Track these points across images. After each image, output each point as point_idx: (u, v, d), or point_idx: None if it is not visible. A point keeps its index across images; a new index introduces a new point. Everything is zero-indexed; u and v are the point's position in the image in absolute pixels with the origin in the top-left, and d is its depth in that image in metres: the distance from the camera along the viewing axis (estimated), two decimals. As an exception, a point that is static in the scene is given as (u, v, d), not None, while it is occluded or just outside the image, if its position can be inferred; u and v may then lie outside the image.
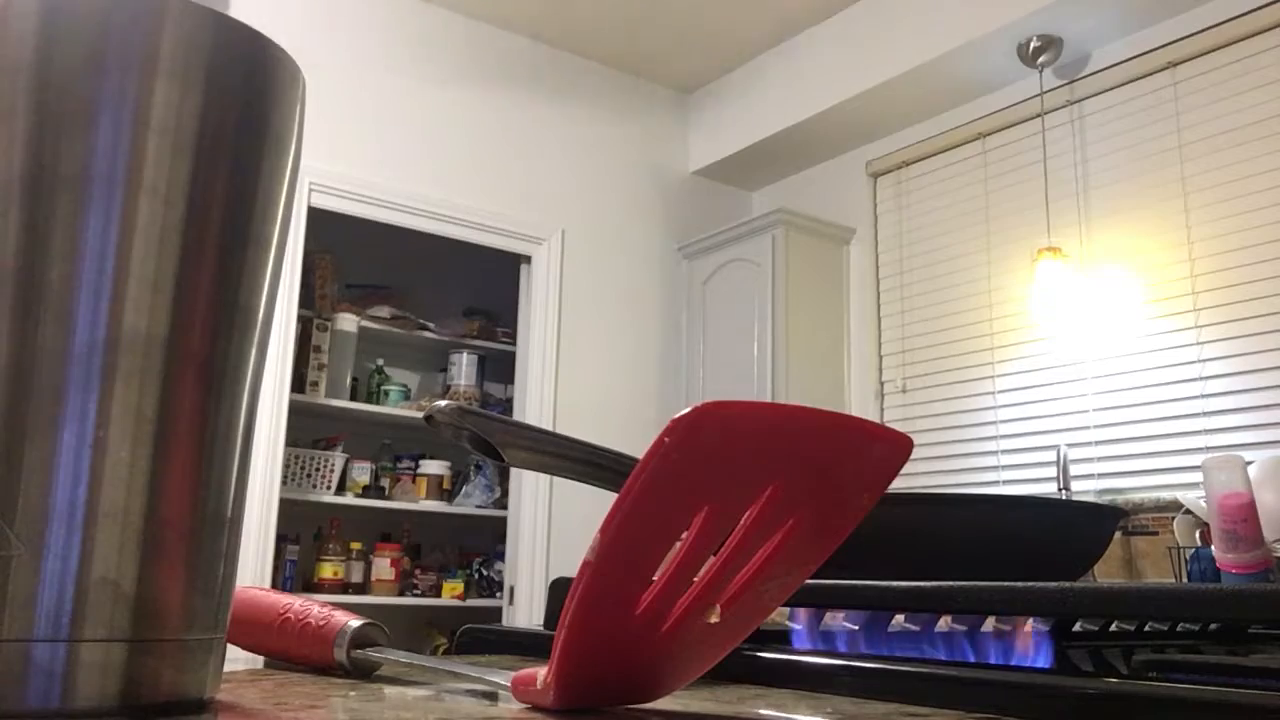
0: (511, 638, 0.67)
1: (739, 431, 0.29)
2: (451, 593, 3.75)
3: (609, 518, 0.28)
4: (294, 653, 0.48)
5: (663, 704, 0.36)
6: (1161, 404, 2.92)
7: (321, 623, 0.47)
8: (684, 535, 0.30)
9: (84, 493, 0.29)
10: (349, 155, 3.36)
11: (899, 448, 0.31)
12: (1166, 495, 2.81)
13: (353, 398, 3.68)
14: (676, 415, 0.27)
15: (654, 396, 3.95)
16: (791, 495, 0.31)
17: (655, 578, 0.31)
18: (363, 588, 3.55)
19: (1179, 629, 0.54)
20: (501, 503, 3.81)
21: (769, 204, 4.14)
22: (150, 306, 0.30)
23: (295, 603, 0.49)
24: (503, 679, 0.36)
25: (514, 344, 3.83)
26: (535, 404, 3.66)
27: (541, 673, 0.33)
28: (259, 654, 0.51)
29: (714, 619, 0.32)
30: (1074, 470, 3.02)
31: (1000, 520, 0.65)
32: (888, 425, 0.30)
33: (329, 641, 0.45)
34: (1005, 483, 3.28)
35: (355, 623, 0.46)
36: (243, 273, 0.33)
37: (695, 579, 0.31)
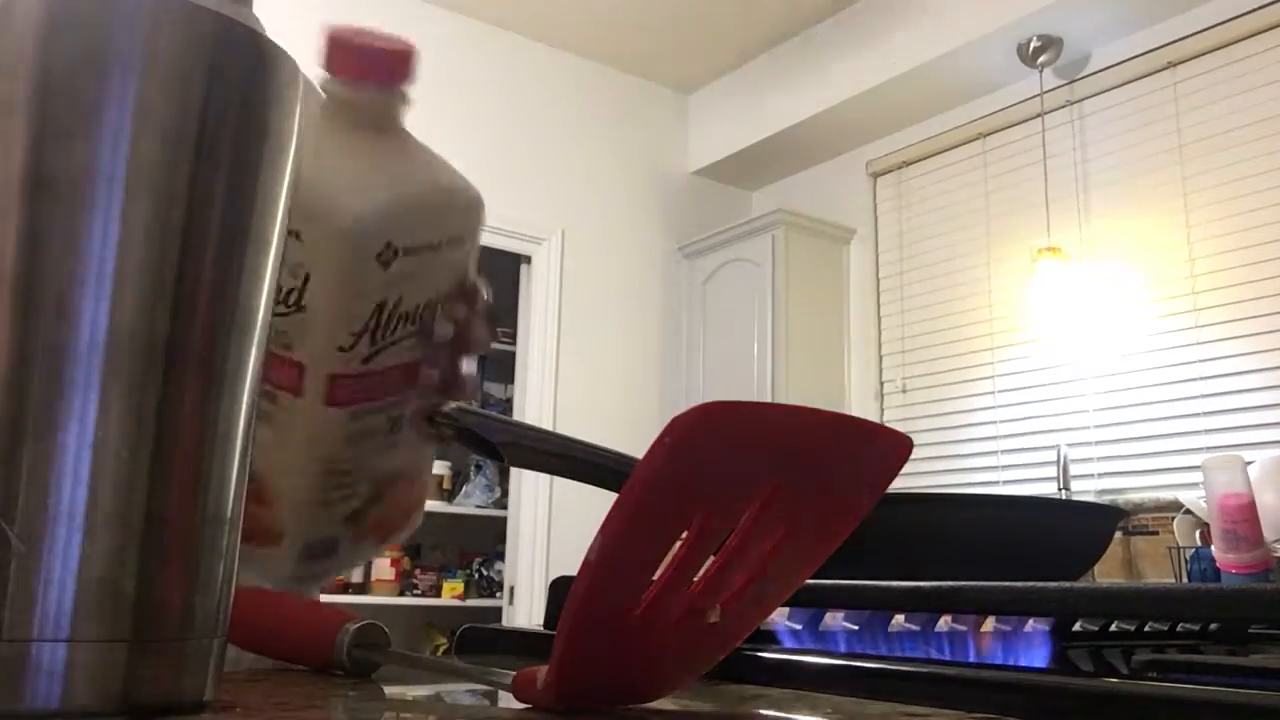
0: (511, 638, 0.67)
1: (739, 431, 0.29)
2: (451, 593, 3.75)
3: (609, 518, 0.28)
4: (294, 652, 0.48)
5: (662, 704, 0.36)
6: (1162, 404, 2.92)
7: (320, 625, 0.47)
8: (684, 535, 0.30)
9: (84, 493, 0.29)
10: (349, 155, 3.35)
11: (899, 447, 0.31)
12: (1166, 495, 2.81)
13: (353, 398, 3.67)
14: (676, 415, 0.27)
15: (654, 396, 3.95)
16: (792, 495, 0.31)
17: (655, 577, 0.31)
18: (363, 588, 3.55)
19: (1179, 629, 0.54)
20: (501, 503, 3.81)
21: (769, 204, 4.14)
22: (150, 306, 0.30)
23: (295, 602, 0.50)
24: (503, 679, 0.36)
25: (514, 344, 3.83)
26: (535, 404, 3.66)
27: (542, 673, 0.33)
28: (259, 654, 0.51)
29: (714, 619, 0.32)
30: (1074, 470, 3.02)
31: (1000, 520, 0.65)
32: (888, 425, 0.30)
33: (329, 641, 0.45)
34: (1005, 483, 3.28)
35: (355, 623, 0.46)
36: (243, 273, 0.33)
37: (695, 579, 0.31)
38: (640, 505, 0.28)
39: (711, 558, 0.32)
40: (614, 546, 0.28)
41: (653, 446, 0.27)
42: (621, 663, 0.32)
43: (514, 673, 0.35)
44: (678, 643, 0.32)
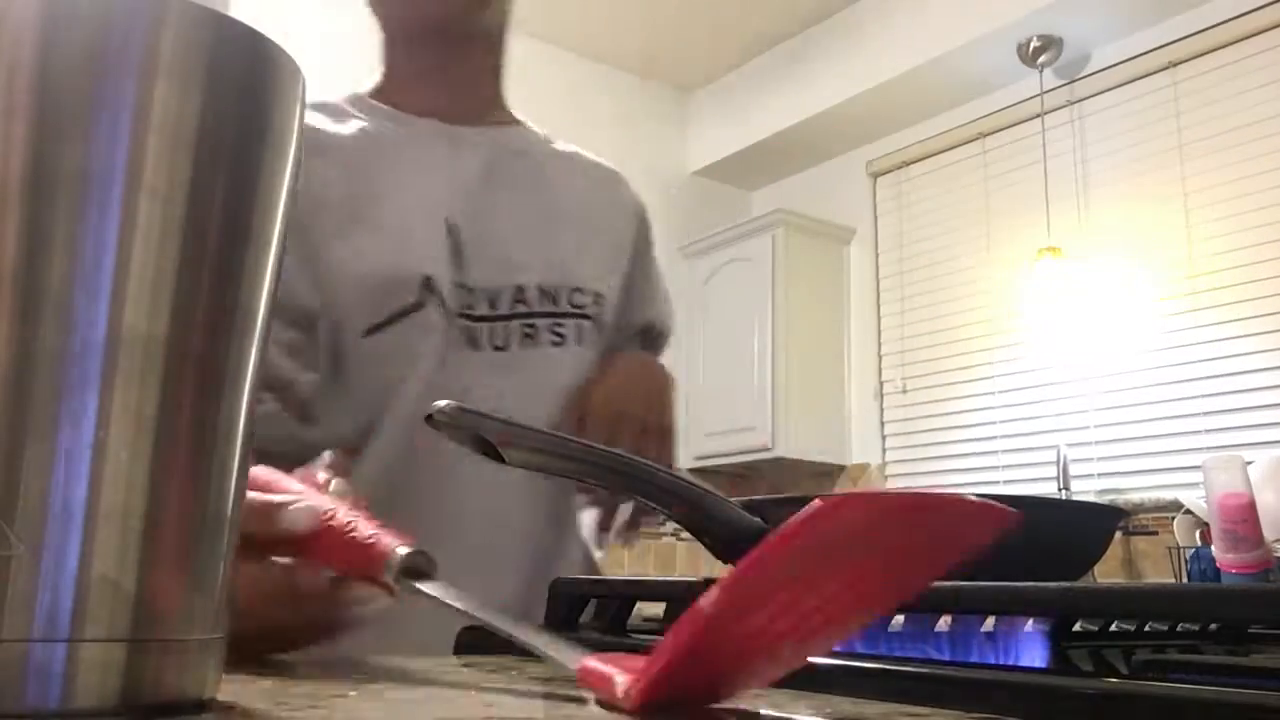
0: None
1: (850, 526, 0.29)
2: (451, 593, 3.75)
3: (734, 577, 0.30)
4: (333, 562, 0.46)
5: (662, 705, 0.36)
6: (1161, 404, 2.92)
7: (369, 541, 0.45)
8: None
9: (84, 493, 0.29)
10: (349, 155, 3.35)
11: (997, 520, 0.31)
12: (1166, 495, 2.81)
13: (353, 398, 3.67)
14: (819, 503, 0.28)
15: (654, 396, 3.95)
16: (895, 573, 0.32)
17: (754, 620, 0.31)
18: (363, 588, 3.55)
19: (1179, 629, 0.54)
20: (501, 503, 3.81)
21: (769, 204, 4.14)
22: (150, 306, 0.30)
23: (339, 510, 0.47)
24: (570, 660, 0.36)
25: (514, 344, 3.82)
26: (535, 404, 3.66)
27: (621, 680, 0.33)
28: (288, 558, 0.48)
29: (788, 652, 0.33)
30: (1074, 470, 3.02)
31: (1000, 520, 0.64)
32: (986, 501, 0.30)
33: (376, 563, 0.44)
34: (1005, 483, 3.29)
35: (403, 549, 0.44)
36: (243, 273, 0.33)
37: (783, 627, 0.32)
38: (764, 573, 0.29)
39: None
40: (728, 603, 0.30)
41: (793, 524, 0.28)
42: (700, 675, 0.33)
43: (580, 658, 0.36)
44: (752, 661, 0.33)
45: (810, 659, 0.35)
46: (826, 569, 0.30)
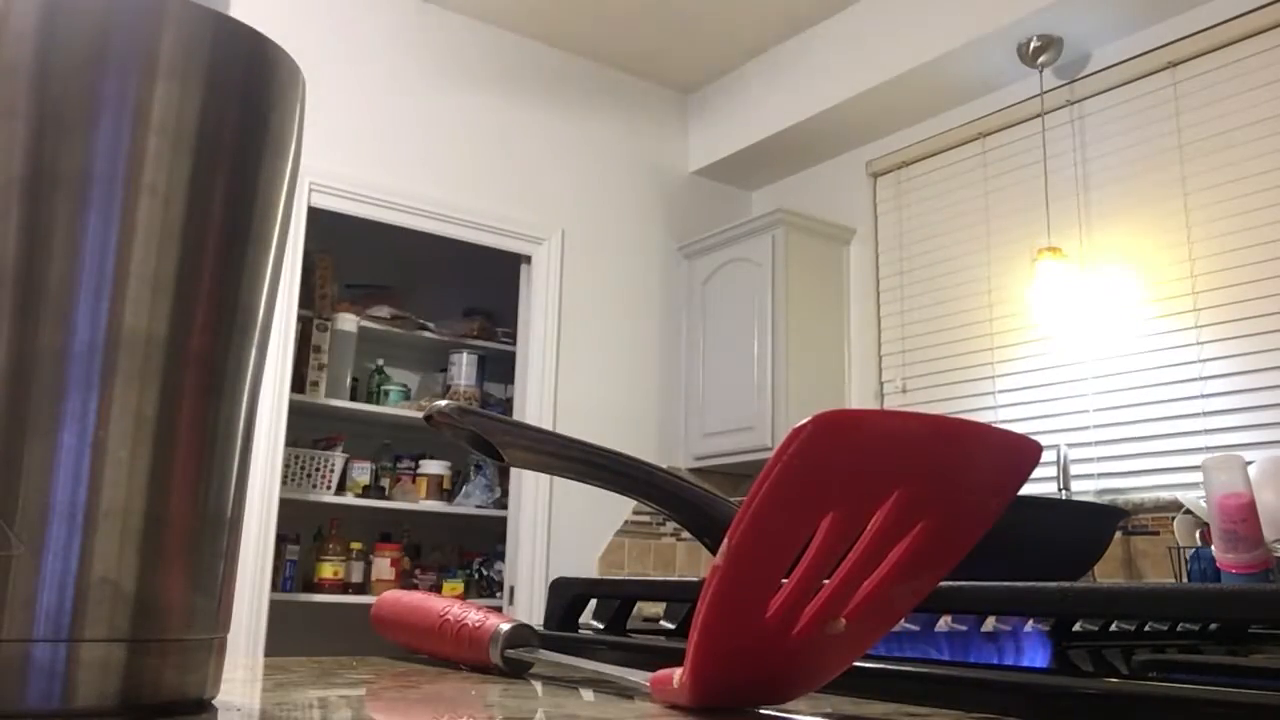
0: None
1: (858, 440, 0.29)
2: (451, 593, 3.75)
3: (735, 524, 0.29)
4: (452, 653, 0.50)
5: (658, 705, 0.36)
6: (1161, 404, 2.92)
7: (477, 625, 0.49)
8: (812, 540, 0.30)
9: (84, 493, 0.29)
10: (349, 155, 3.36)
11: (1027, 453, 0.31)
12: (1166, 495, 2.81)
13: (353, 398, 3.68)
14: (796, 425, 0.28)
15: (654, 396, 3.95)
16: (917, 501, 0.31)
17: (785, 581, 0.31)
18: (363, 588, 3.55)
19: (1179, 629, 0.54)
20: (501, 503, 3.81)
21: (769, 204, 4.14)
22: (150, 306, 0.30)
23: (454, 607, 0.52)
24: (641, 678, 0.37)
25: (514, 344, 3.83)
26: (535, 404, 3.66)
27: (678, 673, 0.33)
28: (419, 653, 0.54)
29: (838, 630, 0.32)
30: (1074, 470, 3.02)
31: (1001, 520, 0.65)
32: (1012, 430, 0.30)
33: (484, 643, 0.47)
34: (1005, 483, 3.28)
35: (507, 625, 0.48)
36: (243, 272, 0.33)
37: (825, 583, 0.31)
38: (763, 512, 0.29)
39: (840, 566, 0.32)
40: (741, 551, 0.29)
41: (774, 455, 0.28)
42: (754, 665, 0.32)
43: (649, 674, 0.36)
44: (810, 646, 0.32)
45: (869, 647, 0.35)
46: (834, 498, 0.29)
